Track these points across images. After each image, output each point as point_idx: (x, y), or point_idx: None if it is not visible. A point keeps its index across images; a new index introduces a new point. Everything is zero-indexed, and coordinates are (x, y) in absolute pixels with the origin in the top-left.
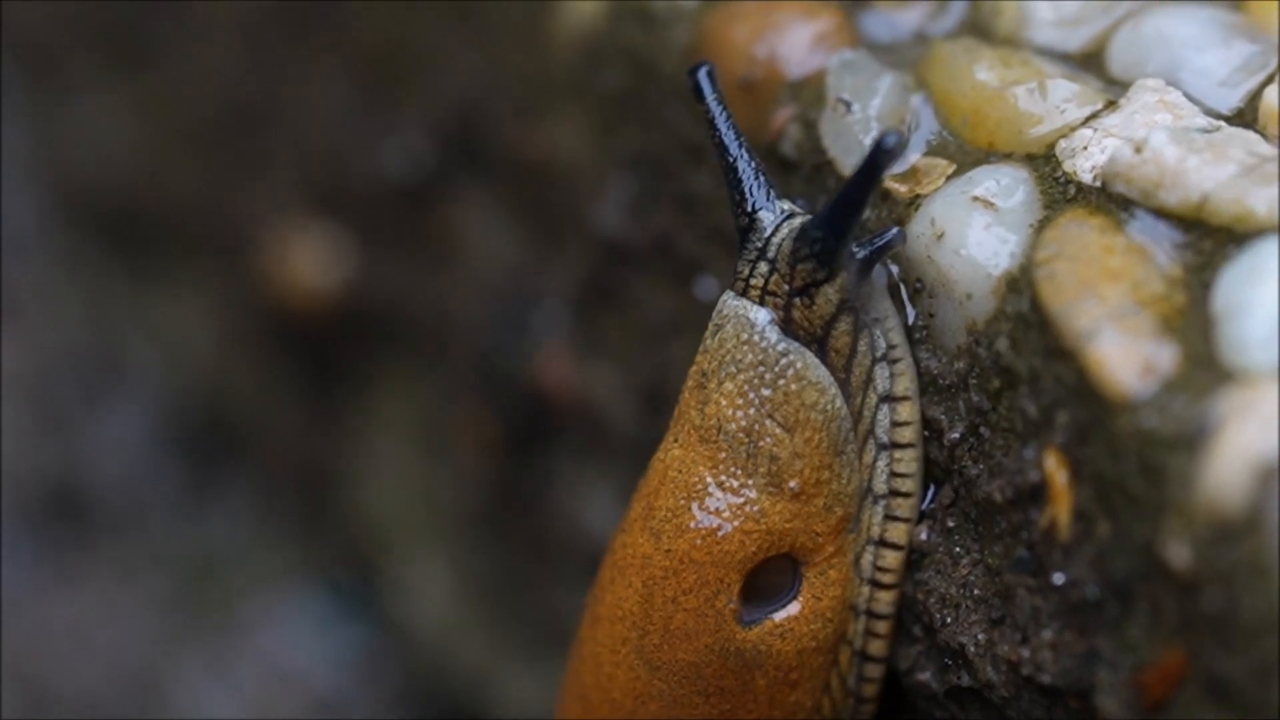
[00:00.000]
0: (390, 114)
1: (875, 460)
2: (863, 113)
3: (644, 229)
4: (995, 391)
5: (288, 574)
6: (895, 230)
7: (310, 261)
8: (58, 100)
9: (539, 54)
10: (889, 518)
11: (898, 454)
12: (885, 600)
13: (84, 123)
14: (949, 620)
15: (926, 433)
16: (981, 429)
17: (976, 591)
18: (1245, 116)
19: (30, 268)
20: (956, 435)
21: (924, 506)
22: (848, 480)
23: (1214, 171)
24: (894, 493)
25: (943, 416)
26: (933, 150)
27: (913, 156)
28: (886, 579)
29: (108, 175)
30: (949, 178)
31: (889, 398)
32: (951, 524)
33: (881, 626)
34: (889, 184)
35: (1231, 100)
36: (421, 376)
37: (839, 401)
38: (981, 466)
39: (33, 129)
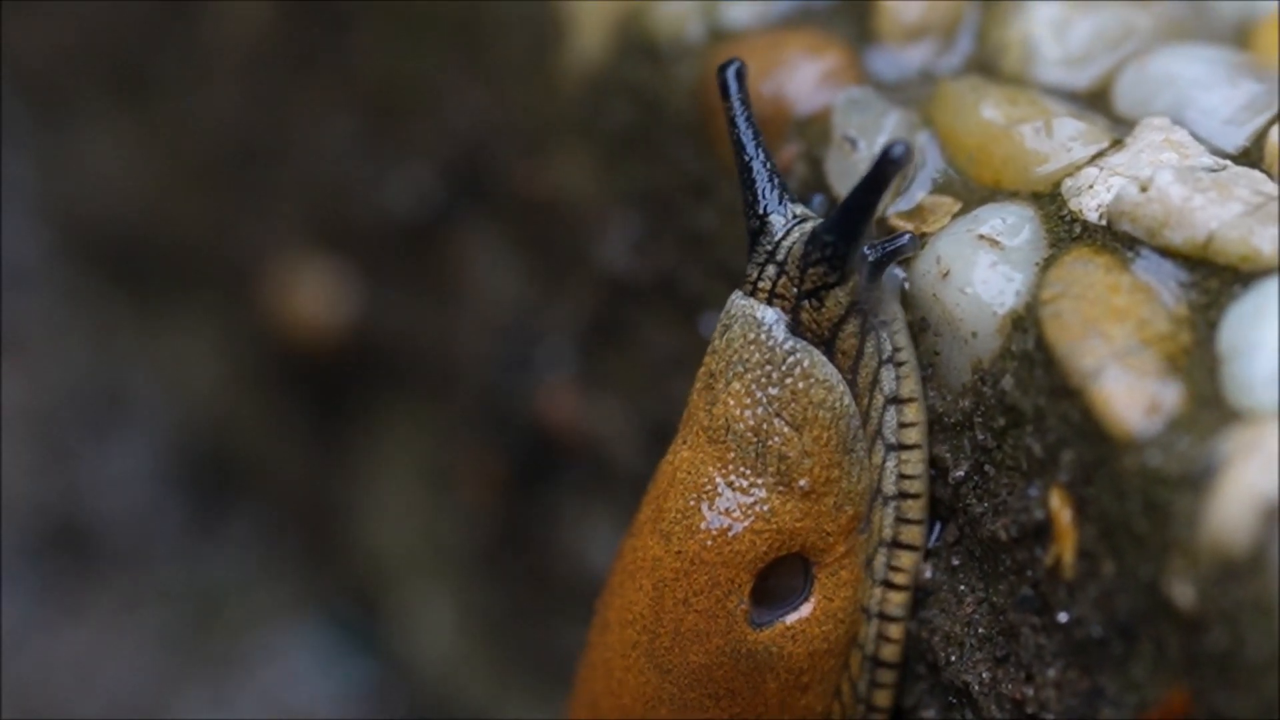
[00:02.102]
0: (396, 150)
1: (884, 461)
2: (869, 150)
3: (649, 266)
4: (1000, 430)
5: (292, 608)
6: (908, 235)
7: (315, 297)
8: (63, 134)
9: (545, 90)
10: (900, 520)
11: (904, 455)
12: (897, 602)
13: (89, 156)
14: (953, 658)
15: (932, 471)
16: (986, 467)
17: (981, 630)
18: (1251, 155)
19: (34, 301)
20: (961, 473)
21: (929, 544)
22: (857, 479)
23: (1219, 210)
24: (903, 494)
25: (948, 455)
26: (939, 188)
27: (918, 194)
28: (899, 579)
29: (112, 209)
30: (955, 216)
31: (895, 399)
32: (956, 562)
33: (894, 630)
34: (895, 221)
35: (1237, 139)
36: (426, 412)
37: (847, 399)
38: (986, 505)
39: (38, 162)
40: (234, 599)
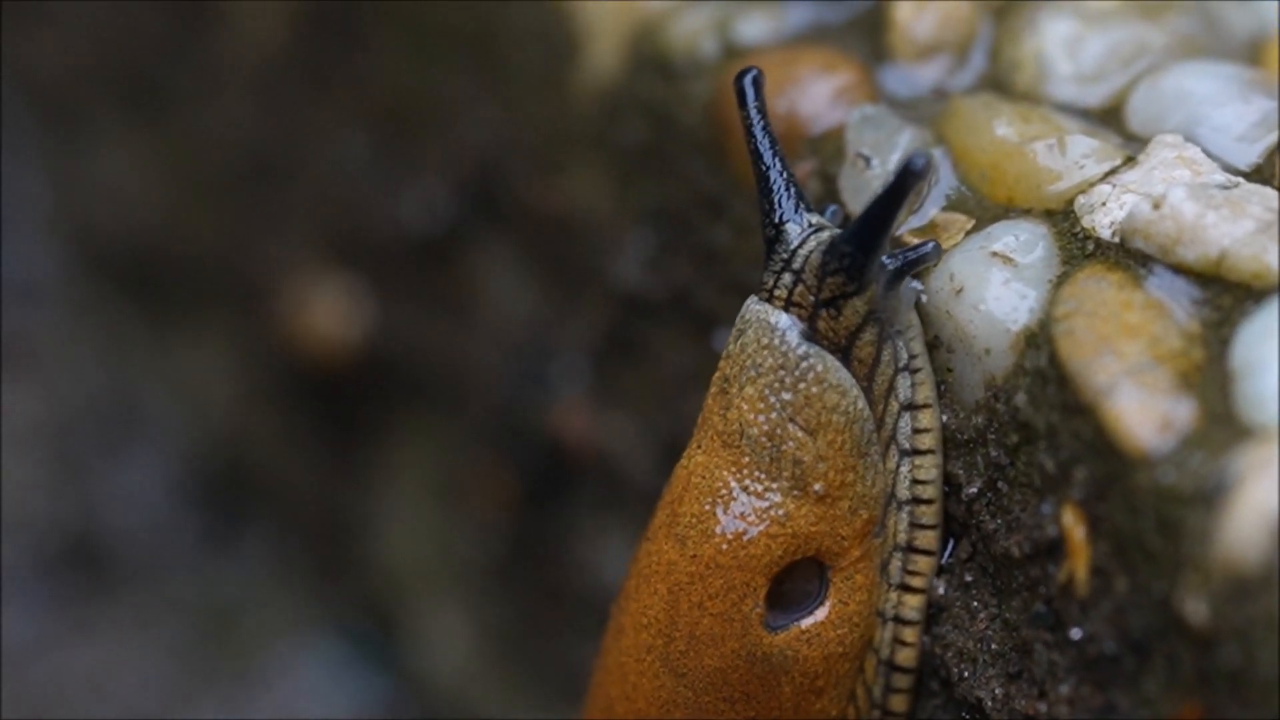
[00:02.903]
0: (409, 165)
1: (898, 466)
2: (882, 168)
3: (662, 282)
4: (1013, 447)
5: (305, 623)
6: (931, 244)
7: (329, 313)
8: (76, 149)
9: (558, 106)
10: (914, 524)
11: (918, 460)
12: (913, 605)
13: (102, 171)
14: (966, 674)
15: (945, 488)
16: (999, 484)
17: (994, 646)
18: (1264, 172)
19: (48, 316)
20: (974, 490)
21: (942, 561)
22: (872, 483)
23: (1232, 228)
24: (916, 499)
25: (961, 471)
26: (952, 205)
27: (931, 211)
28: (915, 583)
29: (126, 224)
30: (968, 233)
31: (910, 405)
32: (969, 578)
33: (909, 634)
34: (908, 239)
35: (1250, 156)
36: (440, 428)
37: (861, 403)
38: (999, 521)
39: (51, 177)
40: (247, 614)
